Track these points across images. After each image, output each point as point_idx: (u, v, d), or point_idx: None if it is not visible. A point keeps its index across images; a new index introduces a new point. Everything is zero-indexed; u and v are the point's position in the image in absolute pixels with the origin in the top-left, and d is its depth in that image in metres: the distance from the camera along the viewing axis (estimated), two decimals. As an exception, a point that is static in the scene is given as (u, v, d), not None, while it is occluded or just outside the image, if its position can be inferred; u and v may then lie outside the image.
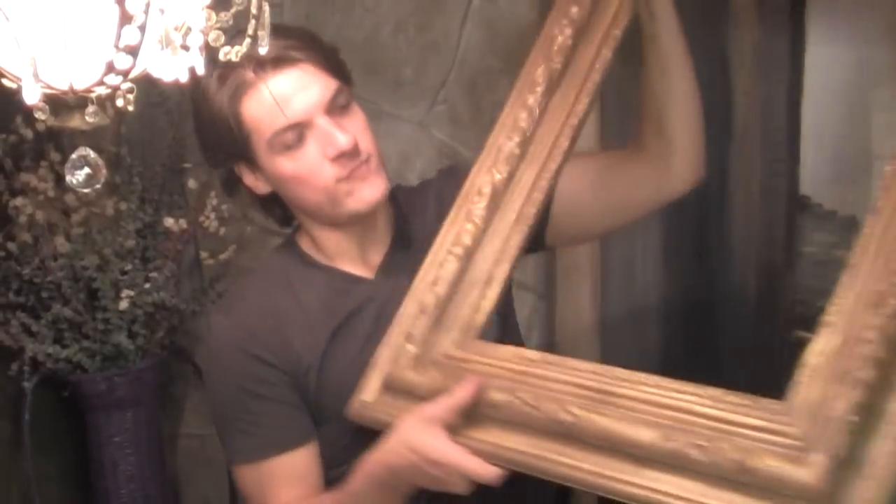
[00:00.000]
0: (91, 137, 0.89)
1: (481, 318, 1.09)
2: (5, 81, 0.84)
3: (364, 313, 1.20)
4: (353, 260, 1.23)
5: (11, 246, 1.70)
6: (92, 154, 0.86)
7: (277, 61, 1.11)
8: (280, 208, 1.24)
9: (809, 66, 1.67)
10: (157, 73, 0.82)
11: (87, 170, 0.87)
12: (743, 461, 0.82)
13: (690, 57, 1.19)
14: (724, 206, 1.61)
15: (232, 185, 1.24)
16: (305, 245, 1.25)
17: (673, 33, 1.17)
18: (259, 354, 1.16)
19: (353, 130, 1.14)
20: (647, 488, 0.89)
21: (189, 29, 0.82)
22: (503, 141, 1.15)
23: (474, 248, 1.11)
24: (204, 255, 1.86)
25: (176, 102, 1.79)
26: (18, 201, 1.69)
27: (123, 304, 1.71)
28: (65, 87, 0.81)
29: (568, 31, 1.15)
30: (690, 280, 1.80)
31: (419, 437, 1.00)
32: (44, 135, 1.68)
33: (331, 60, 1.16)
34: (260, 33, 0.89)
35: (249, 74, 1.12)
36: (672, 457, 0.87)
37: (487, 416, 1.01)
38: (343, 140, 1.12)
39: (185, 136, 1.85)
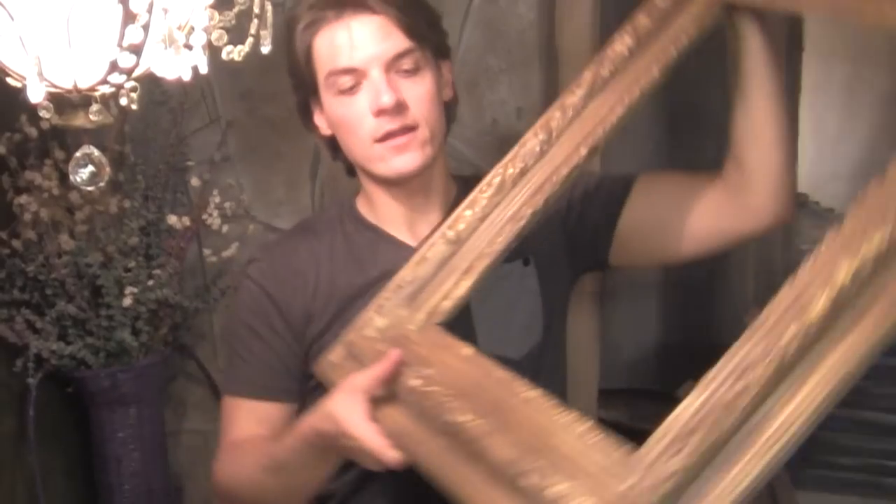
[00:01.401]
0: (95, 136, 0.89)
1: (448, 305, 1.07)
2: (10, 80, 0.85)
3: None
4: (400, 227, 1.24)
5: (16, 243, 1.71)
6: (96, 152, 0.88)
7: (358, 6, 1.13)
8: (344, 155, 1.25)
9: (807, 63, 1.67)
10: (160, 72, 0.83)
11: (91, 168, 0.87)
12: None
13: (781, 90, 1.11)
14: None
15: (308, 121, 1.26)
16: (361, 202, 1.27)
17: (759, 56, 1.09)
18: (274, 295, 1.20)
19: (408, 95, 1.14)
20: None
21: (192, 28, 0.83)
22: (530, 137, 1.11)
23: (467, 236, 1.10)
24: (207, 252, 1.87)
25: (179, 101, 1.81)
26: (23, 199, 1.69)
27: (127, 301, 1.72)
28: (69, 86, 0.83)
29: (627, 40, 1.09)
30: (689, 278, 1.81)
31: (338, 406, 1.00)
32: (48, 133, 1.69)
33: (415, 23, 1.15)
34: (262, 32, 0.90)
35: (329, 12, 1.14)
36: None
37: (406, 400, 1.01)
38: (386, 97, 1.12)
39: (187, 135, 1.86)
